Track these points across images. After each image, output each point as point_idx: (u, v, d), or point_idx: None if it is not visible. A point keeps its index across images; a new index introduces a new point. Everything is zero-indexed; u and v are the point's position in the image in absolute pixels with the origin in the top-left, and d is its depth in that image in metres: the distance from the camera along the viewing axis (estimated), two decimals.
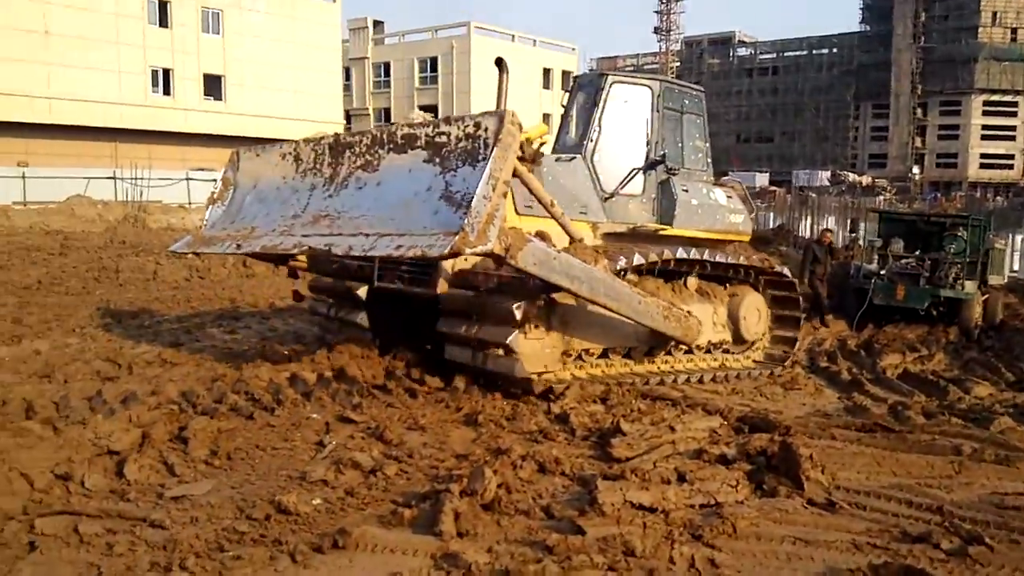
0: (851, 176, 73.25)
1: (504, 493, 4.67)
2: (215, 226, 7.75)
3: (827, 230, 16.81)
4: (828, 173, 74.64)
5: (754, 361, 9.71)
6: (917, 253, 15.81)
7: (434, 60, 55.15)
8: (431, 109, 55.12)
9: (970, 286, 15.20)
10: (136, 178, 32.38)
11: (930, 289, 14.95)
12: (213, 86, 40.89)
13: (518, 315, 6.74)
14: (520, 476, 5.07)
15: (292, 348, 8.42)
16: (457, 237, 5.18)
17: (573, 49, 61.18)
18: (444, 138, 5.79)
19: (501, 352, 6.93)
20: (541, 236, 6.60)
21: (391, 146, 6.24)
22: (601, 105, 8.63)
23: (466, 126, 5.67)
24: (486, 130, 5.52)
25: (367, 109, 58.42)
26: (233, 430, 5.83)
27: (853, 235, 19.33)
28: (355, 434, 5.93)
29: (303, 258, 8.47)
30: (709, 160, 9.93)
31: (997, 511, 4.90)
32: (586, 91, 8.97)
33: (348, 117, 58.11)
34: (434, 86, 55.09)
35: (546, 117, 57.17)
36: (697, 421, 6.47)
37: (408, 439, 5.87)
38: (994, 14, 77.51)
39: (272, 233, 6.83)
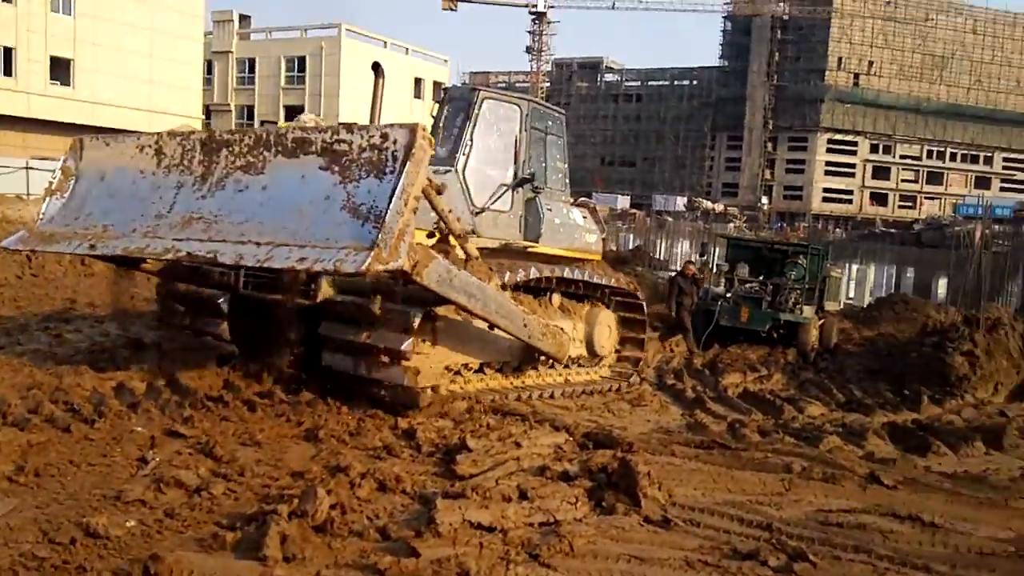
0: (705, 203, 76.77)
1: (338, 514, 4.47)
2: (54, 221, 7.09)
3: (689, 262, 17.34)
4: (684, 199, 77.96)
5: (603, 377, 10.01)
6: (761, 278, 16.65)
7: (302, 60, 53.77)
8: (297, 109, 53.68)
9: (808, 311, 16.13)
10: None
11: (771, 312, 15.77)
12: (61, 70, 38.25)
13: (414, 321, 6.66)
14: (358, 495, 4.88)
15: (123, 354, 7.85)
16: (372, 254, 5.08)
17: (445, 61, 61.29)
18: (344, 146, 5.59)
19: (387, 360, 6.78)
20: (444, 252, 6.49)
21: (279, 149, 5.93)
22: (473, 120, 8.60)
23: (371, 136, 5.51)
24: (395, 142, 5.40)
25: (229, 105, 56.30)
26: (45, 444, 5.32)
27: (703, 259, 20.14)
28: (182, 450, 5.54)
29: (152, 261, 7.90)
30: (567, 181, 10.17)
31: (822, 528, 5.11)
32: (458, 105, 8.92)
33: (208, 112, 55.87)
34: (301, 86, 53.72)
35: None
36: (543, 437, 6.47)
37: (241, 455, 5.54)
38: (840, 59, 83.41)
39: (133, 235, 6.33)
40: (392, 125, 5.54)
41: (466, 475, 5.44)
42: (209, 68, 56.15)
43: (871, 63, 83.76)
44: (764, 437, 7.45)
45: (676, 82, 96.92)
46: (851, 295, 27.78)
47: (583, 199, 11.52)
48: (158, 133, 6.99)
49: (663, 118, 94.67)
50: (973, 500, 5.62)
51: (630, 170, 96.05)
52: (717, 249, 20.69)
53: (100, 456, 5.30)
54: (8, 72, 36.35)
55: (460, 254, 6.67)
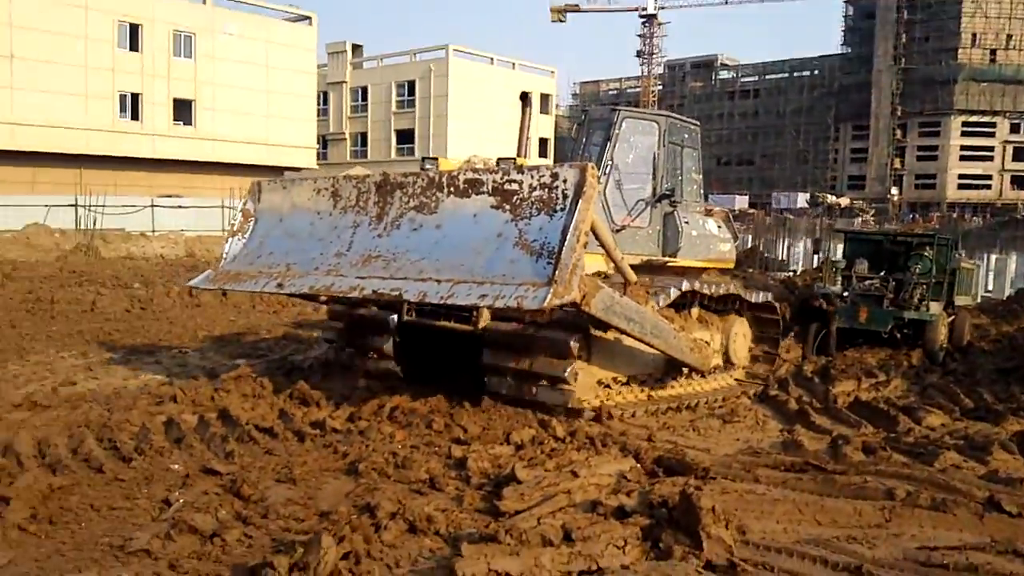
0: (830, 198, 73.22)
1: (350, 564, 4.02)
2: (236, 260, 7.71)
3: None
4: (807, 195, 74.60)
5: (738, 380, 10.00)
6: (882, 274, 15.30)
7: (412, 84, 54.72)
8: (408, 133, 54.75)
9: (935, 307, 14.70)
10: (92, 205, 31.55)
11: (893, 311, 14.45)
12: (182, 111, 40.26)
13: (574, 348, 7.05)
14: (383, 539, 4.42)
15: (180, 387, 7.73)
16: (551, 291, 5.38)
17: (552, 72, 61.03)
18: (515, 186, 5.92)
19: (547, 383, 7.22)
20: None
21: (451, 190, 6.31)
22: (613, 140, 8.85)
23: (541, 176, 5.83)
24: (564, 182, 5.71)
25: (344, 133, 57.95)
26: (71, 487, 5.11)
27: (817, 255, 18.82)
28: (211, 489, 5.22)
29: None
30: (702, 192, 10.38)
31: (922, 570, 4.28)
32: (597, 125, 9.24)
33: (324, 141, 57.70)
34: (411, 110, 54.65)
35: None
36: (607, 464, 5.81)
37: (271, 494, 5.17)
38: (974, 35, 77.97)
39: (317, 272, 6.85)
40: (562, 165, 5.86)
41: (510, 512, 4.90)
42: (324, 99, 58.06)
43: (1009, 36, 77.72)
44: (869, 456, 6.51)
45: (795, 74, 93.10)
46: (990, 288, 25.65)
47: (714, 207, 11.52)
48: (333, 177, 7.52)
49: (782, 112, 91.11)
50: None
51: (748, 169, 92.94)
52: (831, 244, 19.30)
53: (124, 499, 5.05)
54: (135, 116, 38.52)
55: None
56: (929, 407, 8.95)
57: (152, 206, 34.09)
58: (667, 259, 9.34)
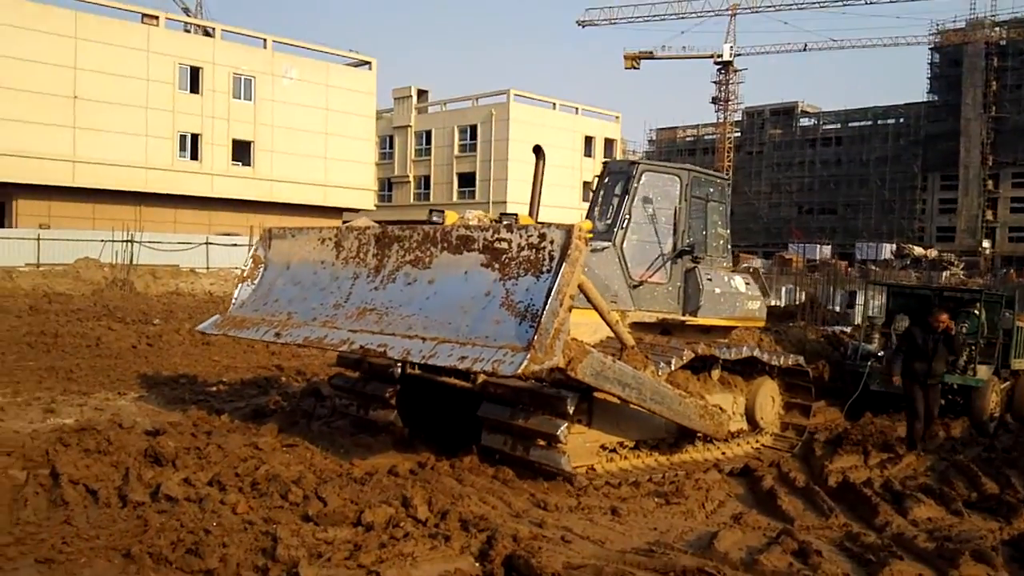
0: (916, 249, 69.60)
1: None
2: (245, 306, 7.80)
3: (941, 309, 11.24)
4: (892, 246, 71.17)
5: (764, 446, 9.35)
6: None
7: (473, 128, 54.69)
8: (470, 176, 54.59)
9: (983, 371, 12.98)
10: (145, 241, 31.96)
11: None
12: (241, 151, 40.94)
13: (570, 407, 6.67)
14: None
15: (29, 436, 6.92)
16: (528, 356, 5.18)
17: (617, 117, 60.14)
18: (504, 244, 5.82)
19: (544, 443, 6.83)
20: None
21: (445, 245, 6.26)
22: (632, 193, 8.63)
23: (529, 236, 5.69)
24: (551, 242, 5.54)
25: (408, 176, 58.21)
26: None
27: (850, 309, 17.16)
28: None
29: None
30: (729, 247, 10.01)
31: None
32: (616, 178, 9.01)
33: (389, 184, 58.05)
34: (472, 154, 54.53)
35: (587, 185, 56.02)
36: (437, 562, 4.64)
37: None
38: None
39: (313, 323, 6.87)
40: (550, 225, 5.67)
41: None
42: (390, 143, 58.60)
43: None
44: (798, 562, 5.17)
45: (879, 121, 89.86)
46: None
47: (748, 265, 10.65)
48: (337, 228, 7.50)
49: (866, 160, 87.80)
50: None
51: (830, 218, 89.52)
52: (867, 297, 17.59)
53: None
54: (195, 156, 39.26)
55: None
56: (929, 494, 7.44)
57: (207, 243, 34.47)
58: (686, 317, 8.95)
